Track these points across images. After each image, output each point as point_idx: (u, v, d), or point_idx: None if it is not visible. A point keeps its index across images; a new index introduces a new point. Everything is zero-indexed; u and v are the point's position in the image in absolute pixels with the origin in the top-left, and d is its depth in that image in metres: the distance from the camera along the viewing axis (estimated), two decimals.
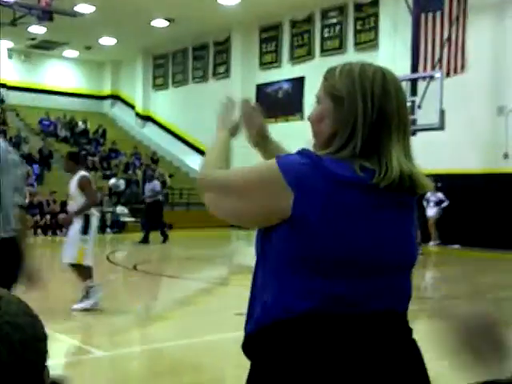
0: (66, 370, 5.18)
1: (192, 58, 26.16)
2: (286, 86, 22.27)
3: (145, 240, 15.32)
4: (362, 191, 1.44)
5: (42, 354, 0.89)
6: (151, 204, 15.84)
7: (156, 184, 16.33)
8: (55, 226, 18.64)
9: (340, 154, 1.48)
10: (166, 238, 15.83)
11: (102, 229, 18.89)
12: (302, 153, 1.47)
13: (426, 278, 10.88)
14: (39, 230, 18.48)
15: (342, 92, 1.50)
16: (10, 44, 26.60)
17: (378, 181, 1.45)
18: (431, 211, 15.76)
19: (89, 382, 4.83)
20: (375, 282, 1.46)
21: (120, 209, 20.14)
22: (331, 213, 1.40)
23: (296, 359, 1.40)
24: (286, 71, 22.10)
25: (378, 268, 1.46)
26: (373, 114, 1.47)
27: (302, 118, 20.66)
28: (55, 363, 5.23)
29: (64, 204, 19.13)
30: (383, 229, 1.47)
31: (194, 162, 25.56)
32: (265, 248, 1.49)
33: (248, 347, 1.51)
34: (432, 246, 15.61)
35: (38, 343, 0.88)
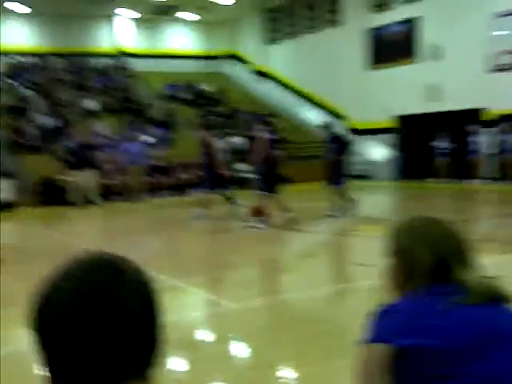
0: (198, 323, 5.55)
1: (306, 8, 25.89)
2: (399, 28, 21.46)
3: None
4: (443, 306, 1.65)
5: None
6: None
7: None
8: (183, 186, 19.40)
9: (413, 291, 1.74)
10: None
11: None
12: (380, 314, 1.70)
13: None
14: (166, 191, 19.34)
15: (402, 246, 1.81)
16: (131, 12, 27.62)
17: (460, 300, 1.66)
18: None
19: (219, 333, 5.13)
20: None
21: (240, 166, 20.51)
22: (424, 333, 1.61)
23: None
24: (400, 12, 21.24)
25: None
26: (431, 261, 1.74)
27: (416, 60, 20.48)
28: (190, 315, 5.61)
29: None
30: (478, 323, 1.64)
31: (311, 115, 25.52)
32: None
33: None
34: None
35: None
